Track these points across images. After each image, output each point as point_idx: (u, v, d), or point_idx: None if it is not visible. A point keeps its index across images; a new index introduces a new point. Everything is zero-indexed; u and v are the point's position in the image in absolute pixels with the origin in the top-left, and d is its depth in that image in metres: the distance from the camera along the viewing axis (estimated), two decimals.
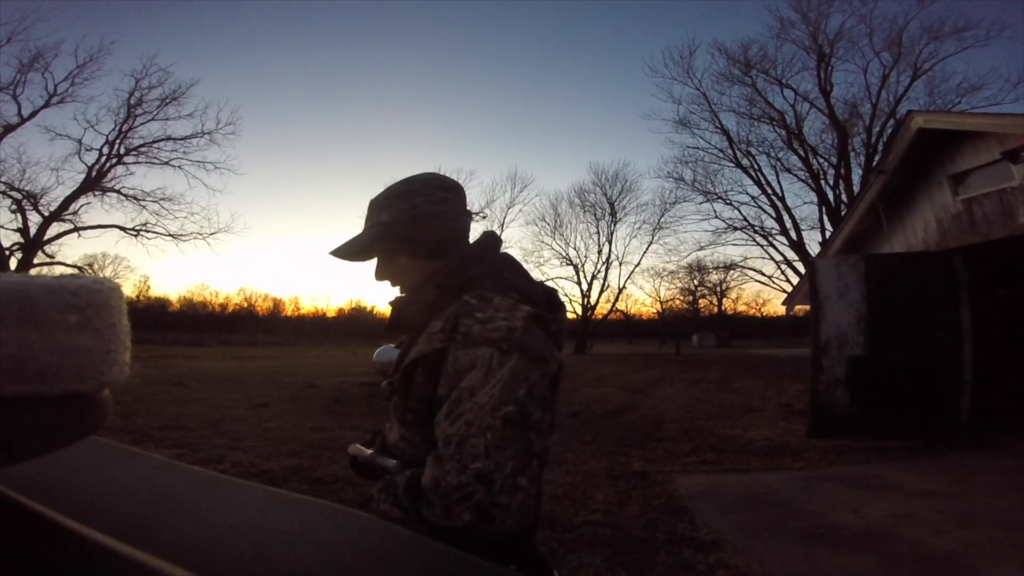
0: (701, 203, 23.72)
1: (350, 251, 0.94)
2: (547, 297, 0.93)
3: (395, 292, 0.98)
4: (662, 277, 34.81)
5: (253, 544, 0.34)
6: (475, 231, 0.98)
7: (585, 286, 30.53)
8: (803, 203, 36.85)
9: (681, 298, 37.78)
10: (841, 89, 23.94)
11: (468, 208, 0.99)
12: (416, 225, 0.91)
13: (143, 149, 20.09)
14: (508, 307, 0.80)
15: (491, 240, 0.96)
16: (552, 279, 30.62)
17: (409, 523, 0.77)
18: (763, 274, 23.92)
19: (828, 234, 15.07)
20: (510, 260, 0.96)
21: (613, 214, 29.73)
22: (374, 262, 0.97)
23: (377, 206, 0.94)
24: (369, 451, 0.93)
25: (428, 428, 0.81)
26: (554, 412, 0.82)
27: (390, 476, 0.83)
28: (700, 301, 40.40)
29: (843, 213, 13.38)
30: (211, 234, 20.57)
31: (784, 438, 5.44)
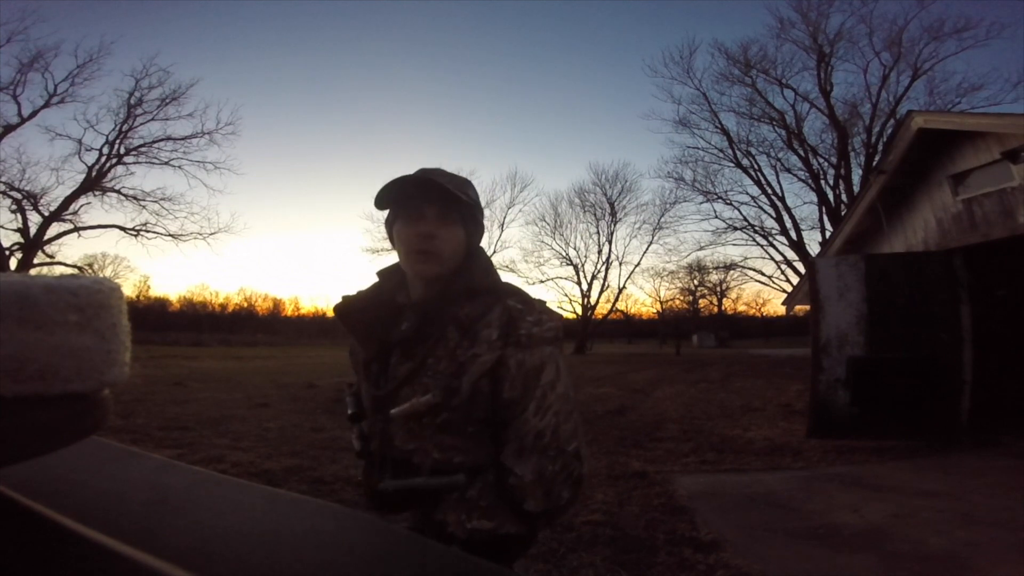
0: (701, 203, 23.86)
1: (461, 195, 0.88)
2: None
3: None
4: (662, 277, 34.92)
5: (253, 544, 0.34)
6: None
7: (585, 286, 30.58)
8: (803, 203, 36.86)
9: (681, 298, 37.80)
10: (841, 89, 23.99)
11: None
12: (483, 214, 0.99)
13: (143, 149, 20.13)
14: (548, 311, 0.89)
15: (483, 252, 0.99)
16: (552, 279, 30.70)
17: (499, 528, 0.82)
18: (763, 274, 23.99)
19: (828, 234, 15.07)
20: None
21: (613, 214, 29.76)
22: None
23: (460, 181, 0.93)
24: (420, 479, 0.86)
25: (486, 432, 0.86)
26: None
27: (458, 492, 0.83)
28: (700, 301, 40.39)
29: (843, 213, 13.37)
30: (211, 234, 20.63)
31: (784, 438, 5.44)
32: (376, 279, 0.99)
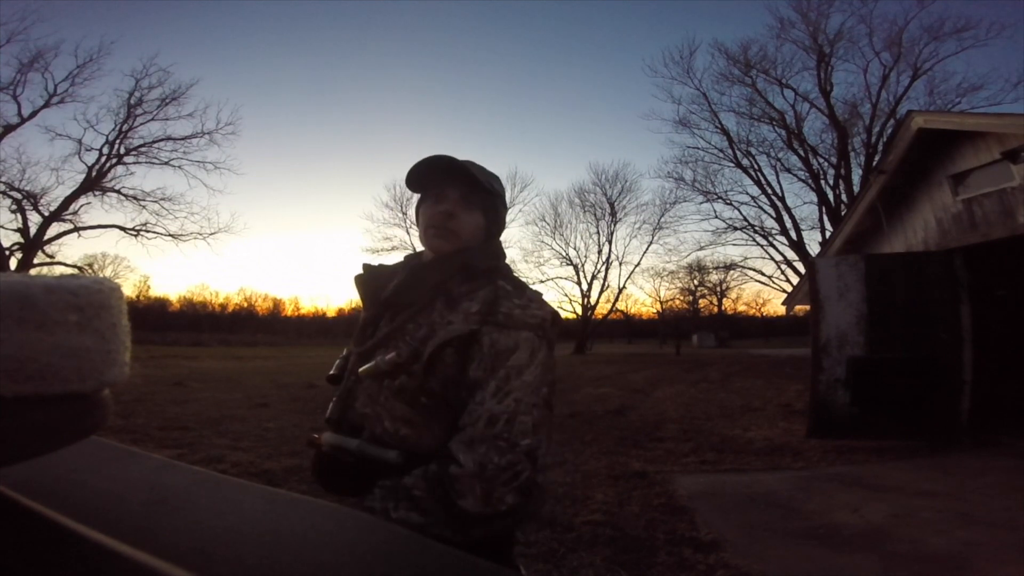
0: (701, 203, 23.83)
1: (484, 183, 0.92)
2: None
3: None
4: (662, 277, 34.89)
5: (253, 544, 0.34)
6: None
7: (585, 286, 30.57)
8: (803, 203, 36.93)
9: (681, 298, 37.80)
10: (841, 89, 24.01)
11: None
12: (504, 207, 1.00)
13: (143, 149, 20.13)
14: (539, 300, 0.85)
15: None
16: (552, 279, 30.69)
17: (430, 527, 0.71)
18: (763, 274, 23.97)
19: (828, 234, 15.07)
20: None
21: (613, 214, 29.76)
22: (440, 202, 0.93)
23: (489, 175, 0.96)
24: (355, 441, 0.83)
25: (441, 411, 0.79)
26: None
27: (393, 480, 0.76)
28: (700, 301, 40.40)
29: (843, 213, 13.37)
30: (211, 234, 20.64)
31: (784, 438, 5.44)
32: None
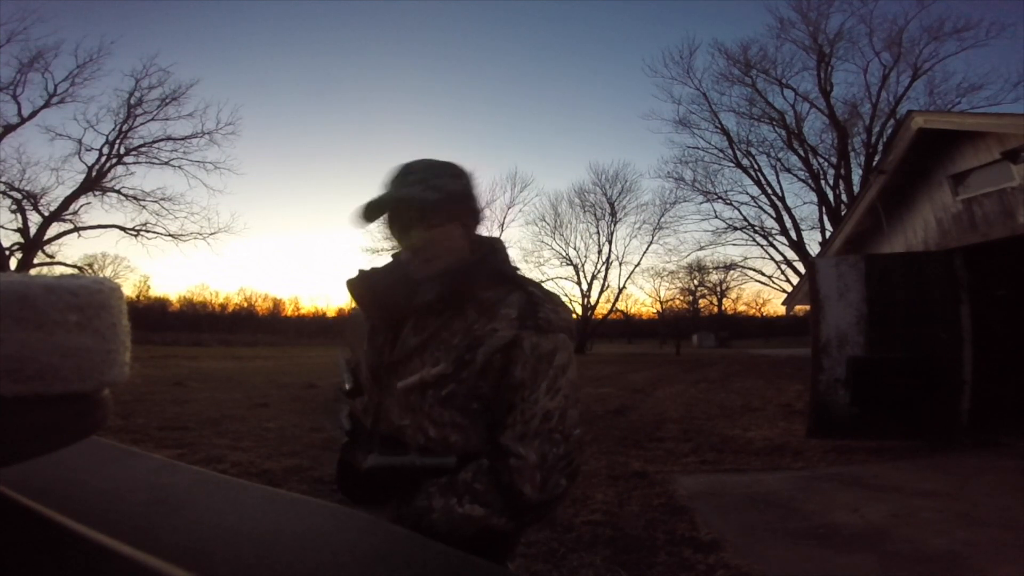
0: (701, 203, 23.77)
1: (414, 209, 0.87)
2: None
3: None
4: (662, 277, 34.87)
5: (253, 544, 0.34)
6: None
7: (585, 286, 30.57)
8: (803, 203, 36.73)
9: (681, 298, 37.80)
10: (841, 89, 23.95)
11: None
12: (474, 199, 0.94)
13: (143, 149, 20.15)
14: (564, 304, 0.91)
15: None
16: (552, 279, 30.68)
17: (488, 517, 0.78)
18: (763, 274, 23.92)
19: (828, 234, 15.08)
20: None
21: (613, 214, 29.75)
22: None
23: (436, 173, 0.90)
24: (408, 457, 0.84)
25: (486, 416, 0.84)
26: None
27: (447, 479, 0.80)
28: (700, 301, 40.40)
29: (843, 213, 13.38)
30: (211, 234, 20.65)
31: (784, 438, 5.44)
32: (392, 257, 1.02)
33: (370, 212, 0.87)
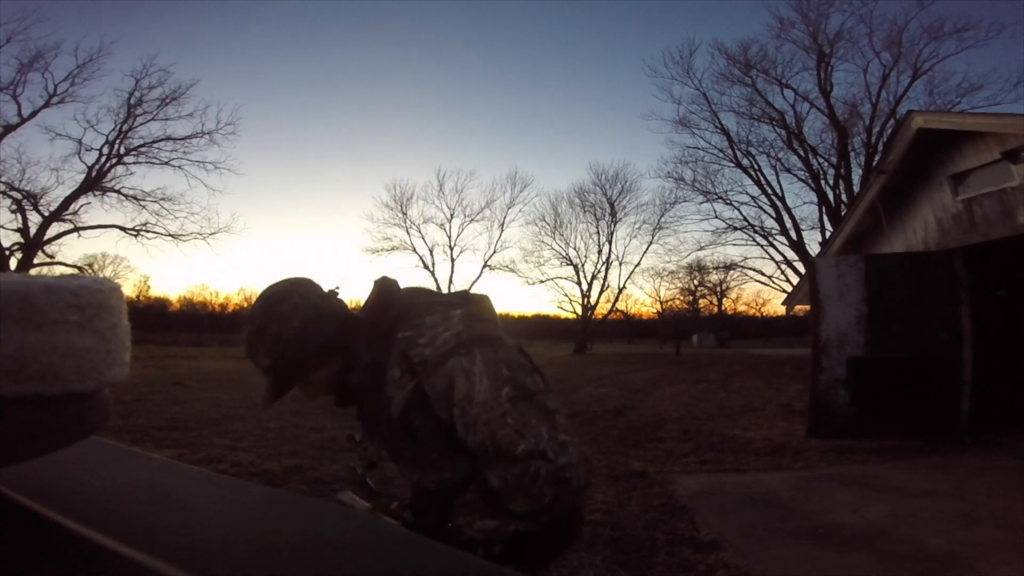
0: (701, 203, 23.71)
1: (270, 400, 0.95)
2: (463, 295, 0.97)
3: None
4: (662, 277, 34.75)
5: (253, 544, 0.34)
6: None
7: (585, 286, 30.53)
8: (803, 203, 36.63)
9: (681, 298, 37.79)
10: (841, 89, 23.91)
11: (319, 291, 0.96)
12: (293, 348, 0.90)
13: (143, 149, 20.11)
14: (441, 320, 0.87)
15: (386, 285, 0.97)
16: (552, 279, 30.66)
17: (505, 525, 0.81)
18: (763, 274, 23.82)
19: (828, 234, 15.08)
20: (417, 288, 0.99)
21: (613, 214, 29.71)
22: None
23: (254, 355, 0.93)
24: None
25: (457, 455, 0.84)
26: (540, 371, 0.88)
27: (460, 501, 0.86)
28: (700, 301, 40.40)
29: (843, 213, 13.38)
30: (211, 234, 20.61)
31: (784, 438, 5.44)
32: None
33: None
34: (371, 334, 0.90)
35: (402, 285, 0.99)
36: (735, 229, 21.90)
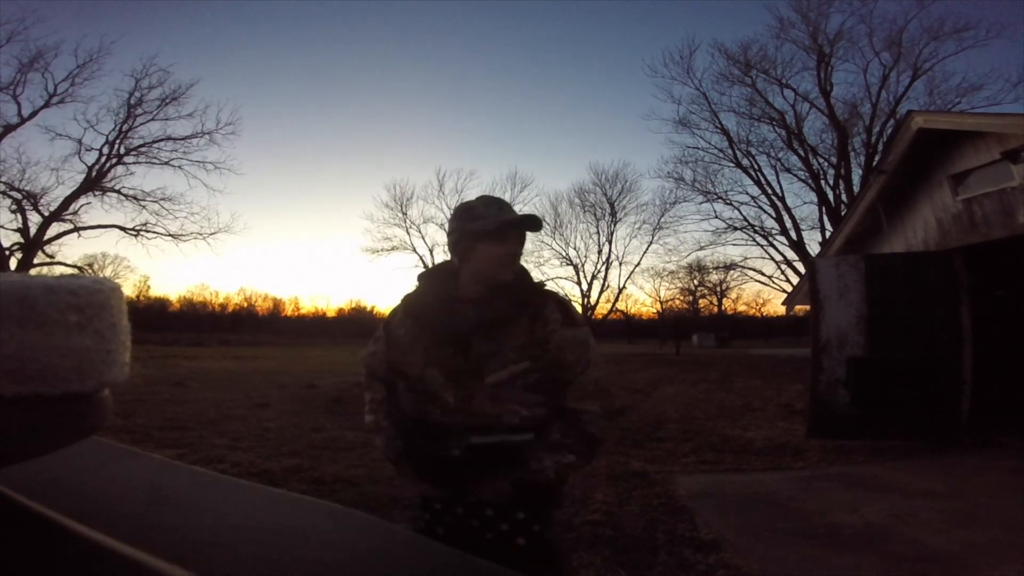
0: (701, 203, 23.64)
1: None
2: None
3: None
4: (662, 277, 34.69)
5: (253, 544, 0.34)
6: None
7: (585, 286, 30.45)
8: (803, 203, 36.54)
9: (681, 298, 37.71)
10: (841, 89, 23.85)
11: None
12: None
13: (143, 149, 20.05)
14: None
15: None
16: (552, 279, 30.65)
17: (577, 463, 1.08)
18: (763, 274, 23.75)
19: (828, 234, 15.06)
20: None
21: (613, 214, 29.65)
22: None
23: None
24: (499, 435, 1.09)
25: (553, 390, 1.11)
26: None
27: (545, 442, 1.07)
28: (700, 301, 40.30)
29: (843, 213, 13.37)
30: (211, 234, 20.55)
31: (784, 438, 5.44)
32: (422, 281, 1.23)
33: (535, 225, 1.13)
34: (535, 287, 1.18)
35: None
36: (735, 229, 21.88)
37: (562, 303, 1.16)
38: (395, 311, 1.26)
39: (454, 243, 1.17)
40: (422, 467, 1.14)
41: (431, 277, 1.23)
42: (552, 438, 1.08)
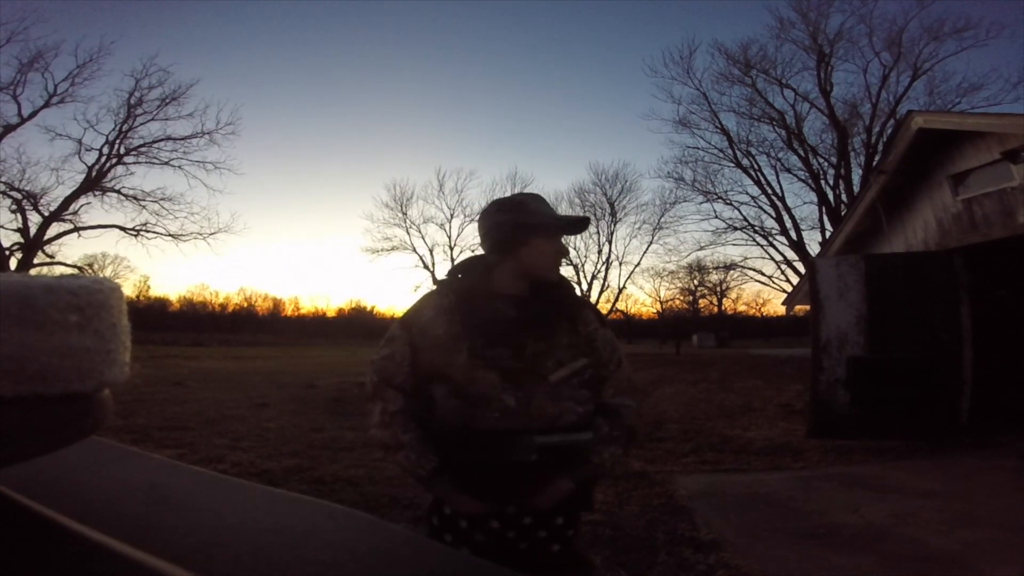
0: (701, 203, 23.60)
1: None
2: None
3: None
4: (662, 277, 34.72)
5: (253, 544, 0.34)
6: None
7: (585, 286, 30.48)
8: (803, 203, 36.51)
9: (681, 298, 37.71)
10: (841, 89, 23.83)
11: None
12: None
13: (143, 149, 20.03)
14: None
15: None
16: None
17: (622, 455, 1.14)
18: (763, 274, 23.72)
19: (828, 234, 15.05)
20: None
21: (613, 214, 29.65)
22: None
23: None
24: (558, 436, 1.07)
25: (589, 400, 1.12)
26: None
27: (595, 437, 1.09)
28: (700, 301, 40.30)
29: (843, 213, 13.37)
30: (211, 234, 20.52)
31: (784, 438, 5.44)
32: (458, 275, 1.17)
33: (587, 227, 1.19)
34: (568, 282, 1.21)
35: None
36: (735, 229, 21.85)
37: (592, 305, 1.24)
38: (421, 308, 1.13)
39: (503, 236, 1.10)
40: (475, 481, 1.02)
41: (469, 271, 1.16)
42: (603, 431, 1.10)
